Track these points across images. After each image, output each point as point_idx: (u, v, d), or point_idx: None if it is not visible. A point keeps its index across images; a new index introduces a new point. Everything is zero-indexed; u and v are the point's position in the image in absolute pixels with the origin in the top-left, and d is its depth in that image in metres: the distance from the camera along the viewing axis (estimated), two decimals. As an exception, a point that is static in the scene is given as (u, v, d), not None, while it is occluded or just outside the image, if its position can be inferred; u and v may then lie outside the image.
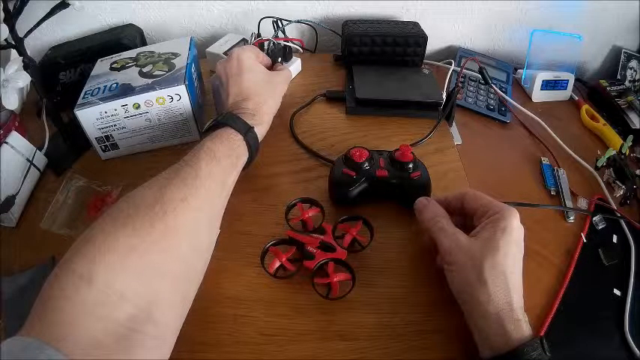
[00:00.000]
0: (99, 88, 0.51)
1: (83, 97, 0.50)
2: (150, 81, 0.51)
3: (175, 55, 0.56)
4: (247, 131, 0.44)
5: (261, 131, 0.47)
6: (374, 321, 0.39)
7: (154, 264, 0.31)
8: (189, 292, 0.35)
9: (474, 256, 0.34)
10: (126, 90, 0.50)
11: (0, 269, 0.43)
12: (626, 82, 0.76)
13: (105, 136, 0.52)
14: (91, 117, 0.50)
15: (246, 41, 0.69)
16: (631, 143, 0.61)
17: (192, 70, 0.56)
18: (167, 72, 0.53)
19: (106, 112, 0.50)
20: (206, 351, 0.37)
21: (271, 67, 0.58)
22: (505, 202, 0.38)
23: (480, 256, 0.34)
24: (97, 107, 0.49)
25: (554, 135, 0.64)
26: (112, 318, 0.26)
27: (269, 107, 0.50)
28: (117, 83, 0.52)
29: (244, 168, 0.45)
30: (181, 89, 0.50)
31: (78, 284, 0.26)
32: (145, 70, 0.54)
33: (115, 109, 0.50)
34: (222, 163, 0.40)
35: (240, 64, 0.49)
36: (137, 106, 0.50)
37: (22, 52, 0.51)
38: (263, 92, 0.49)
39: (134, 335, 0.27)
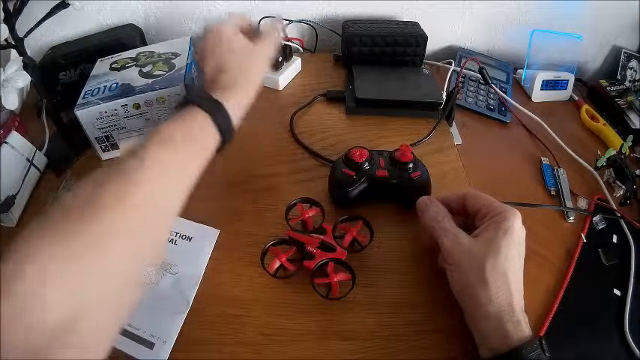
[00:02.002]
0: (99, 88, 0.51)
1: (83, 97, 0.50)
2: (150, 81, 0.51)
3: (175, 55, 0.56)
4: (216, 109, 0.38)
5: (239, 106, 0.41)
6: (374, 321, 0.39)
7: (81, 272, 0.27)
8: (126, 299, 0.30)
9: (476, 256, 0.34)
10: (126, 90, 0.50)
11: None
12: (626, 82, 0.76)
13: (105, 136, 0.52)
14: (91, 117, 0.50)
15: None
16: (631, 143, 0.61)
17: (193, 69, 0.56)
18: (167, 72, 0.53)
19: (106, 112, 0.50)
20: (206, 351, 0.37)
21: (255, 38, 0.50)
22: (505, 202, 0.38)
23: (481, 257, 0.34)
24: (97, 107, 0.49)
25: (554, 135, 0.64)
26: (32, 328, 0.24)
27: (248, 80, 0.44)
28: (117, 83, 0.52)
29: (219, 151, 0.39)
30: (181, 89, 0.50)
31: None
32: (145, 70, 0.54)
33: (115, 109, 0.50)
34: (179, 149, 0.34)
35: (219, 36, 0.44)
36: (137, 106, 0.50)
37: (22, 52, 0.51)
38: (242, 63, 0.44)
39: (55, 345, 0.25)
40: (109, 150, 0.54)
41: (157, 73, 0.53)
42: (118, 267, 0.29)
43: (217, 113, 0.38)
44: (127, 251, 0.29)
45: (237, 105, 0.41)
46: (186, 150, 0.35)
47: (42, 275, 0.25)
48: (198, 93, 0.39)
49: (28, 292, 0.24)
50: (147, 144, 0.32)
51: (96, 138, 0.52)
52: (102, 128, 0.51)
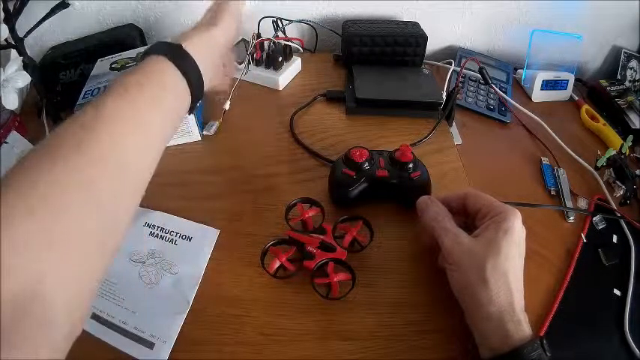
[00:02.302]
0: (99, 89, 0.51)
1: (83, 97, 0.50)
2: None
3: (175, 55, 0.56)
4: (174, 50, 0.34)
5: (207, 46, 0.38)
6: (374, 321, 0.39)
7: (39, 231, 0.24)
8: (95, 263, 0.27)
9: (476, 256, 0.34)
10: None
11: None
12: (626, 82, 0.76)
13: None
14: None
15: (246, 41, 0.69)
16: (631, 143, 0.61)
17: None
18: None
19: None
20: (206, 351, 0.37)
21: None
22: (505, 202, 0.38)
23: (481, 257, 0.34)
24: None
25: (554, 135, 0.64)
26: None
27: (214, 19, 0.41)
28: None
29: (192, 108, 0.37)
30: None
31: None
32: (144, 70, 0.54)
33: None
34: (136, 98, 0.31)
35: None
36: None
37: (22, 52, 0.51)
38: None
39: (18, 316, 0.22)
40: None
41: (156, 73, 0.53)
42: (78, 222, 0.26)
43: (176, 54, 0.34)
44: (88, 204, 0.26)
45: (204, 45, 0.38)
46: (144, 98, 0.31)
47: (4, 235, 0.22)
48: (158, 43, 0.35)
49: None
50: (104, 94, 0.30)
51: (95, 138, 0.52)
52: None
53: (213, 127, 0.57)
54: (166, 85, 0.33)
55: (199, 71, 0.36)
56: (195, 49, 0.36)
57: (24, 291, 0.22)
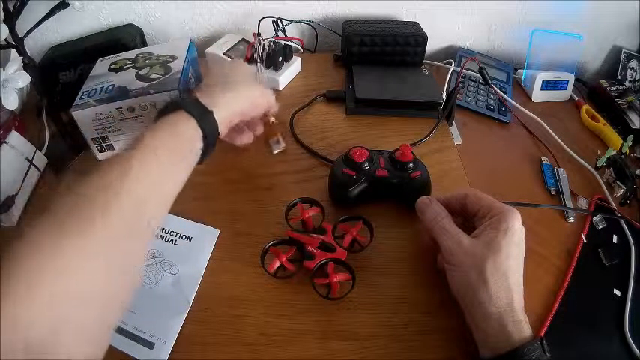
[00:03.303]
0: (96, 89, 0.51)
1: (80, 98, 0.50)
2: (145, 84, 0.51)
3: (173, 57, 0.56)
4: (206, 120, 0.38)
5: (224, 116, 0.41)
6: (374, 321, 0.39)
7: (60, 290, 0.26)
8: (108, 315, 0.30)
9: (476, 256, 0.34)
10: (121, 93, 0.50)
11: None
12: (626, 82, 0.76)
13: (101, 137, 0.52)
14: (87, 118, 0.50)
15: (247, 41, 0.69)
16: (631, 143, 0.61)
17: (190, 73, 0.56)
18: (163, 75, 0.52)
19: (101, 114, 0.50)
20: (206, 351, 0.37)
21: None
22: (505, 202, 0.38)
23: (481, 257, 0.34)
24: (92, 109, 0.49)
25: (554, 135, 0.64)
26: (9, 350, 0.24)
27: (237, 94, 0.44)
28: (113, 85, 0.52)
29: (201, 162, 0.40)
30: (175, 94, 0.50)
31: None
32: (141, 72, 0.54)
33: (110, 112, 0.50)
34: (162, 160, 0.34)
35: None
36: (132, 110, 0.50)
37: (22, 52, 0.51)
38: (232, 78, 0.45)
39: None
40: (105, 151, 0.54)
41: (153, 76, 0.53)
42: (91, 281, 0.28)
43: (206, 121, 0.38)
44: (110, 265, 0.29)
45: (229, 115, 0.42)
46: (172, 163, 0.35)
47: (28, 292, 0.25)
48: (186, 97, 0.39)
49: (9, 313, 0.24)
50: (132, 150, 0.33)
51: (92, 139, 0.52)
52: (98, 129, 0.51)
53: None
54: (194, 150, 0.37)
55: (217, 137, 0.41)
56: (220, 115, 0.40)
57: (40, 341, 0.25)
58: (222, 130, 0.41)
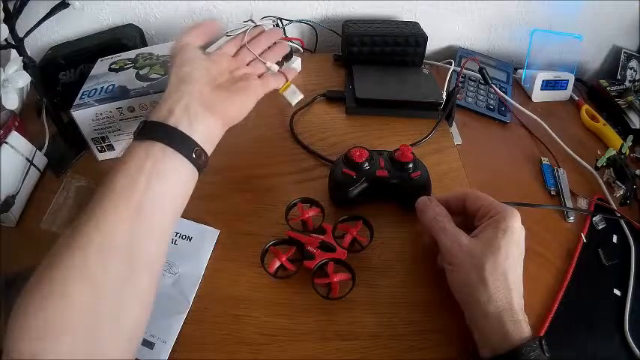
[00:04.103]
0: (96, 89, 0.51)
1: (80, 98, 0.50)
2: (145, 84, 0.51)
3: (173, 57, 0.56)
4: (194, 152, 0.35)
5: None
6: (374, 321, 0.39)
7: (51, 320, 0.27)
8: (106, 341, 0.29)
9: (475, 256, 0.34)
10: (121, 92, 0.50)
11: (0, 269, 0.43)
12: (626, 82, 0.76)
13: (101, 137, 0.52)
14: (87, 118, 0.50)
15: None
16: (631, 143, 0.61)
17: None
18: (162, 75, 0.52)
19: (101, 114, 0.50)
20: (206, 351, 0.37)
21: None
22: (505, 202, 0.38)
23: (480, 257, 0.34)
24: (92, 109, 0.49)
25: (554, 135, 0.64)
26: None
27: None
28: (113, 85, 0.52)
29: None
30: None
31: (3, 357, 0.26)
32: (141, 72, 0.54)
33: (110, 112, 0.50)
34: (155, 212, 0.33)
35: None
36: (132, 110, 0.50)
37: (22, 52, 0.51)
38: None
39: None
40: (105, 151, 0.54)
41: (153, 76, 0.53)
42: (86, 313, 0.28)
43: (198, 158, 0.36)
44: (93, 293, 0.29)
45: (213, 136, 0.39)
46: (163, 211, 0.34)
47: (22, 327, 0.27)
48: (157, 126, 0.35)
49: (12, 347, 0.26)
50: (107, 215, 0.31)
51: (92, 139, 0.52)
52: (97, 129, 0.51)
53: None
54: (189, 186, 0.36)
55: (207, 157, 0.38)
56: (204, 139, 0.37)
57: None
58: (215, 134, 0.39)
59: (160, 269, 0.34)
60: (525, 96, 0.75)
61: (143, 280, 0.31)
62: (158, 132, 0.35)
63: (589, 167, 0.60)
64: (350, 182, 0.45)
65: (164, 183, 0.33)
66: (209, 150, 0.38)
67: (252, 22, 0.52)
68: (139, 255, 0.31)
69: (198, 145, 0.36)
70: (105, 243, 0.30)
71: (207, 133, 0.37)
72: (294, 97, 0.50)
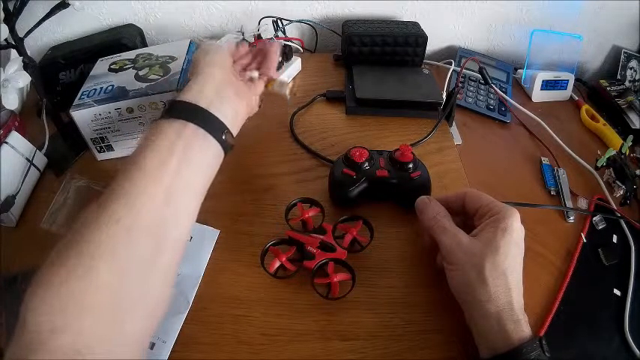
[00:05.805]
0: (95, 90, 0.51)
1: (80, 98, 0.50)
2: (144, 85, 0.51)
3: (172, 58, 0.56)
4: (224, 133, 0.37)
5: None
6: (374, 321, 0.39)
7: (73, 294, 0.27)
8: (128, 322, 0.29)
9: (475, 255, 0.34)
10: (120, 93, 0.50)
11: (0, 269, 0.43)
12: (626, 82, 0.76)
13: (100, 137, 0.52)
14: (86, 118, 0.50)
15: (247, 41, 0.69)
16: (631, 143, 0.61)
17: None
18: (162, 76, 0.52)
19: (100, 115, 0.50)
20: (206, 351, 0.37)
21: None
22: (505, 202, 0.38)
23: (480, 256, 0.34)
24: (91, 109, 0.49)
25: (554, 135, 0.64)
26: (45, 351, 0.24)
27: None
28: (112, 85, 0.52)
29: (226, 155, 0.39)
30: (174, 95, 0.50)
31: (18, 330, 0.26)
32: (141, 73, 0.54)
33: (109, 112, 0.50)
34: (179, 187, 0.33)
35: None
36: (130, 110, 0.50)
37: (22, 52, 0.51)
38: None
39: None
40: (104, 151, 0.54)
41: (152, 77, 0.52)
42: (106, 290, 0.28)
43: (226, 137, 0.37)
44: (112, 271, 0.29)
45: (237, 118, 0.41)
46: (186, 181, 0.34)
47: (44, 300, 0.26)
48: (202, 113, 0.36)
49: (36, 320, 0.25)
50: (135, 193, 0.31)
51: (91, 139, 0.52)
52: (97, 130, 0.51)
53: None
54: (215, 168, 0.37)
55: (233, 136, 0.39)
56: (231, 122, 0.39)
57: (72, 346, 0.25)
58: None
59: (184, 247, 0.34)
60: (525, 96, 0.75)
61: (167, 260, 0.32)
62: (190, 112, 0.35)
63: (589, 167, 0.60)
64: (350, 182, 0.45)
65: (194, 166, 0.34)
66: (234, 133, 0.40)
67: (242, 33, 0.54)
68: (164, 236, 0.31)
69: (227, 128, 0.37)
70: (134, 223, 0.30)
71: (235, 117, 0.39)
72: (283, 87, 0.48)
